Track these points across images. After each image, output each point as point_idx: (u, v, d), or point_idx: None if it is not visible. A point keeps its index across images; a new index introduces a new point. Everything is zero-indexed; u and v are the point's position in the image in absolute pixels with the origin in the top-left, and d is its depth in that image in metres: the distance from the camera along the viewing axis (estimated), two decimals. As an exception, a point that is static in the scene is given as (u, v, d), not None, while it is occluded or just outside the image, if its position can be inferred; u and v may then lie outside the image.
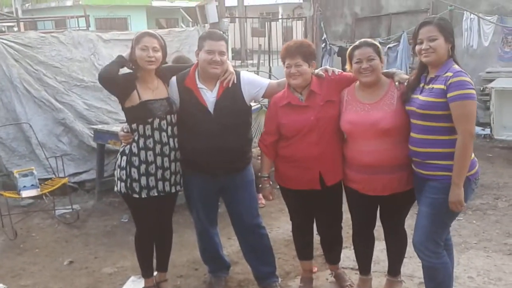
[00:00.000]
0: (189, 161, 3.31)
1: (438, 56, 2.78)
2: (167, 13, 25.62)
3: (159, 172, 3.24)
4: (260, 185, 3.39)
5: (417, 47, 2.84)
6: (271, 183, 3.37)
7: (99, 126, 5.72)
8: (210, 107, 3.20)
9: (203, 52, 3.17)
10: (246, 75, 3.38)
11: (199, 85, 3.23)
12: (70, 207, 5.30)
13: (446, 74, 2.73)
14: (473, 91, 2.69)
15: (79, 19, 13.57)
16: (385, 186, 3.03)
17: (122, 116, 6.04)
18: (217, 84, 3.23)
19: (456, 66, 2.78)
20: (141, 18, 23.96)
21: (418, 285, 3.57)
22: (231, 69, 3.30)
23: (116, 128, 5.39)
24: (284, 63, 3.19)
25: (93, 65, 6.40)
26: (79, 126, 6.05)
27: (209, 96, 3.22)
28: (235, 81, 3.25)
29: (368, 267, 3.47)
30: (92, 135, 5.83)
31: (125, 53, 3.18)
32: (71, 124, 6.03)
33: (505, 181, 6.06)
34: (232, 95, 3.23)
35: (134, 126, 3.20)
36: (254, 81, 3.36)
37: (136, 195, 3.23)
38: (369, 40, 3.14)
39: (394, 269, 3.40)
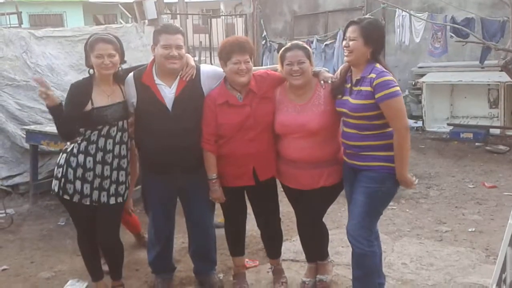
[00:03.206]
0: (147, 160, 3.24)
1: (355, 56, 2.90)
2: (105, 9, 24.96)
3: (97, 181, 3.12)
4: (210, 188, 3.25)
5: (344, 43, 2.98)
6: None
7: (32, 127, 5.49)
8: (169, 104, 3.11)
9: (160, 47, 3.06)
10: (206, 69, 3.29)
11: (157, 81, 3.13)
12: (3, 211, 5.10)
13: (370, 76, 2.85)
14: (397, 88, 2.82)
15: (10, 16, 12.99)
16: (309, 180, 3.14)
17: (56, 116, 5.91)
18: (177, 80, 3.13)
19: (378, 66, 2.89)
20: (78, 14, 23.27)
21: (355, 274, 3.70)
22: (192, 63, 3.20)
23: (50, 128, 5.23)
24: (228, 59, 3.09)
25: (25, 63, 6.17)
26: (11, 127, 5.79)
27: (168, 92, 3.12)
28: (193, 77, 3.15)
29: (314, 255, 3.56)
30: (25, 136, 5.60)
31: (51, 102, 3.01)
32: (3, 125, 5.77)
33: (436, 171, 6.38)
34: (191, 91, 3.14)
35: (81, 130, 3.07)
36: (215, 74, 3.25)
37: (67, 197, 3.13)
38: (300, 43, 3.22)
39: (321, 254, 3.52)
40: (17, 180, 5.75)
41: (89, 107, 3.01)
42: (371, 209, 2.96)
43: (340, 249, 3.73)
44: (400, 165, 2.87)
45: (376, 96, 2.81)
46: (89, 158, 3.09)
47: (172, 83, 3.14)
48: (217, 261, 3.67)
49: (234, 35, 3.47)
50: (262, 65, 10.17)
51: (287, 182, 3.28)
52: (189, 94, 3.14)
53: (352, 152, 3.00)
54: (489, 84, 8.27)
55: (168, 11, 13.42)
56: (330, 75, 3.18)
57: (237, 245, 3.56)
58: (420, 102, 8.82)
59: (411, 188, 3.14)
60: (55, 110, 3.02)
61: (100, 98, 3.05)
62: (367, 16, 3.04)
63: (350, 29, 2.92)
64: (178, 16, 12.92)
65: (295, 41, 3.28)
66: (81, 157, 3.09)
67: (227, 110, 3.14)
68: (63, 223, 4.90)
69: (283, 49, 3.17)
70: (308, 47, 3.17)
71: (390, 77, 2.83)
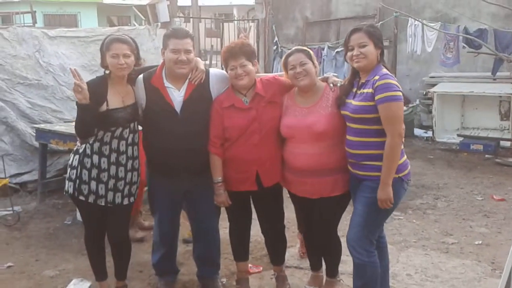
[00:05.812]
0: (154, 163, 3.25)
1: (368, 61, 2.88)
2: (119, 10, 25.19)
3: (111, 182, 3.14)
4: (215, 192, 3.26)
5: (349, 54, 2.95)
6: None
7: (42, 125, 5.54)
8: (177, 107, 3.13)
9: (168, 51, 3.08)
10: (215, 73, 3.31)
11: (166, 84, 3.14)
12: (11, 208, 5.11)
13: (374, 78, 2.84)
14: (399, 93, 2.80)
15: (25, 15, 13.13)
16: (316, 189, 3.11)
17: (67, 115, 5.98)
18: (186, 84, 3.15)
19: (384, 70, 2.88)
20: (92, 15, 23.49)
21: (359, 283, 3.67)
22: (202, 66, 3.21)
23: (60, 127, 5.28)
24: (227, 66, 3.16)
25: (38, 62, 6.23)
26: (21, 125, 5.85)
27: (176, 95, 3.14)
28: (202, 81, 3.17)
29: (319, 264, 3.54)
30: (35, 135, 5.65)
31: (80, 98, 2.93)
32: (13, 123, 5.82)
33: (445, 182, 6.33)
34: (200, 95, 3.16)
35: (95, 130, 3.08)
36: (224, 78, 3.25)
37: (82, 198, 3.14)
38: (299, 47, 3.27)
39: (331, 271, 3.47)
40: (25, 178, 5.79)
41: (104, 107, 3.03)
42: (370, 219, 2.93)
43: (344, 258, 3.69)
44: (387, 172, 2.81)
45: (376, 97, 2.79)
46: (104, 159, 3.11)
47: (181, 86, 3.16)
48: (221, 265, 3.67)
49: (234, 41, 3.50)
50: (272, 71, 10.18)
51: (294, 191, 3.26)
52: (198, 98, 3.15)
53: (354, 161, 2.98)
54: (500, 96, 8.21)
55: (181, 15, 13.48)
56: (339, 79, 3.18)
57: (241, 250, 3.55)
58: (430, 112, 8.77)
59: (387, 206, 2.84)
60: (86, 107, 2.94)
61: (115, 100, 3.07)
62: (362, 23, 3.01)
63: (356, 36, 2.90)
64: (191, 19, 13.00)
65: (295, 47, 3.31)
66: (95, 158, 3.10)
67: (233, 113, 3.15)
68: (70, 222, 4.92)
69: (284, 56, 3.19)
70: (308, 49, 3.19)
71: (392, 81, 2.81)
